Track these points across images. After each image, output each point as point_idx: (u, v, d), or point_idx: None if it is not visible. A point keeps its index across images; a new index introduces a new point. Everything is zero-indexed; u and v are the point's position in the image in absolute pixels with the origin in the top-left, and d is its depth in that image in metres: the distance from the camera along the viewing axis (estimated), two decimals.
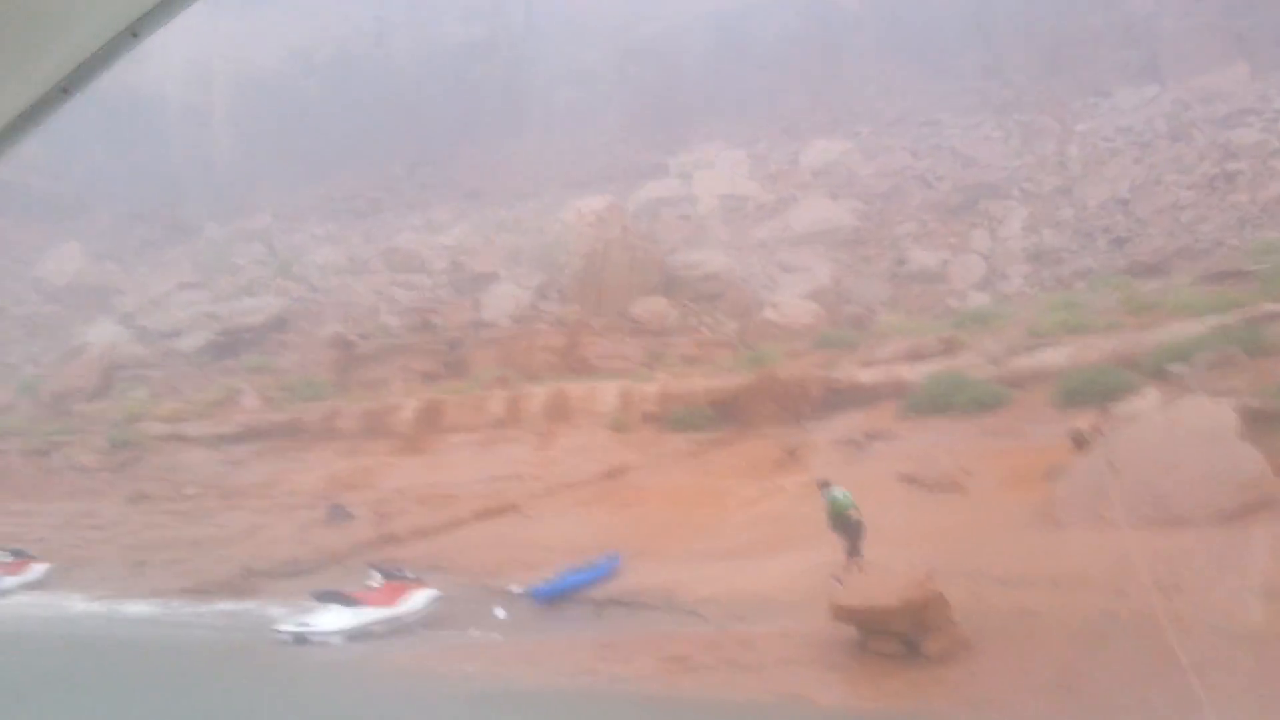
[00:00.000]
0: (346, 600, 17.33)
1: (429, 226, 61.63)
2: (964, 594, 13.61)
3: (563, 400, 33.43)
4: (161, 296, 55.69)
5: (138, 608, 21.22)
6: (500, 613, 17.50)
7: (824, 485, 16.15)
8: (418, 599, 17.85)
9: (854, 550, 14.86)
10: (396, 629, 16.93)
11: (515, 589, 18.01)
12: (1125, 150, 44.91)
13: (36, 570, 25.21)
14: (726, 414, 31.59)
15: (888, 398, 30.24)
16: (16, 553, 25.77)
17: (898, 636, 11.82)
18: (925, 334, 34.09)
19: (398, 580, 18.26)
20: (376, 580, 18.22)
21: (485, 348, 39.92)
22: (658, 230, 50.08)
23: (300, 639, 16.41)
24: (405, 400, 35.91)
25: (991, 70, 57.54)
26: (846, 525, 15.03)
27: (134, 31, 1.73)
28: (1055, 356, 28.55)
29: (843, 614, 12.11)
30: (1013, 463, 21.77)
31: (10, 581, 24.50)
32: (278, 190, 72.00)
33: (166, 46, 67.21)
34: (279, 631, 16.76)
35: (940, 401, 28.24)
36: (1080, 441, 19.61)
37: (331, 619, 16.88)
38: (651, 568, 18.07)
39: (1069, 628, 12.07)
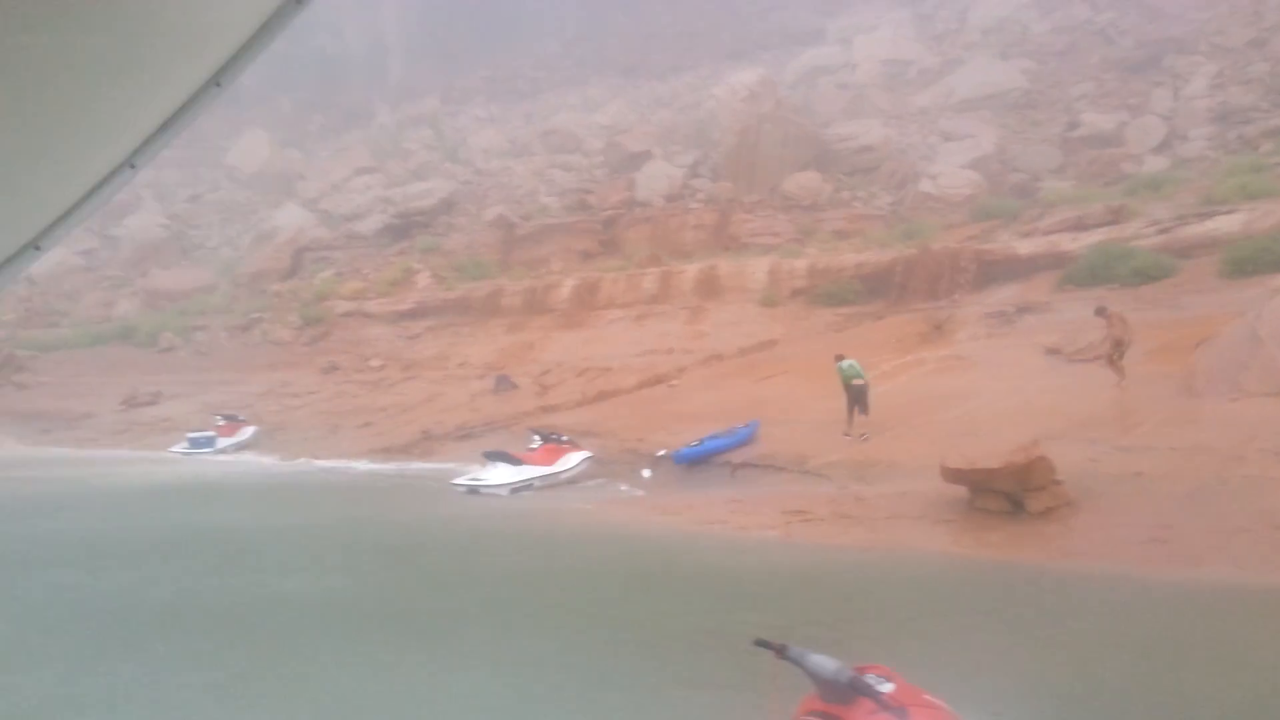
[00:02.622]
0: (511, 459, 19.71)
1: (585, 105, 62.73)
2: (1081, 458, 14.38)
3: (713, 277, 34.64)
4: (341, 182, 59.61)
5: (335, 464, 24.46)
6: (646, 473, 19.45)
7: (838, 358, 19.37)
8: (572, 459, 20.08)
9: (853, 407, 18.40)
10: (553, 484, 19.19)
11: (660, 452, 19.83)
12: None
13: (247, 432, 29.04)
14: (876, 288, 32.01)
15: (1047, 269, 29.85)
16: (229, 417, 29.69)
17: (1003, 495, 12.81)
18: (1093, 202, 33.05)
19: (554, 443, 20.48)
20: (536, 442, 20.51)
21: (639, 226, 41.38)
22: (814, 101, 49.41)
23: (473, 490, 18.92)
24: (563, 278, 38.08)
25: None
26: (850, 389, 18.49)
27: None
28: (1228, 224, 27.36)
29: (951, 475, 13.17)
30: (1164, 335, 21.57)
31: (225, 442, 28.39)
32: (443, 74, 74.50)
33: None
34: (455, 484, 19.31)
35: (1101, 273, 27.73)
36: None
37: (498, 475, 19.33)
38: (787, 434, 19.41)
39: (1176, 490, 12.68)
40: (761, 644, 4.82)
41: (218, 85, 1.88)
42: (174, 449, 28.31)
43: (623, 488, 18.75)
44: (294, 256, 49.68)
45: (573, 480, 19.65)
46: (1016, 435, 14.57)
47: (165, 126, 1.92)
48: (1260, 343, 17.09)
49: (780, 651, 4.65)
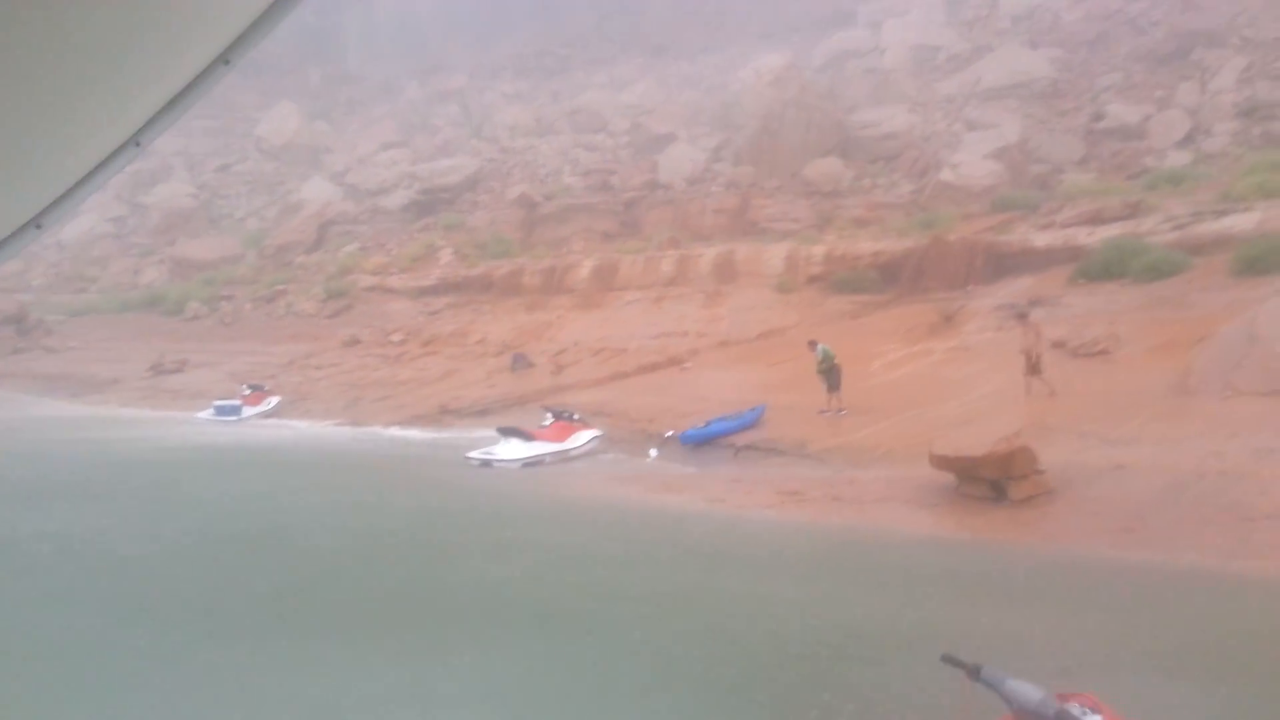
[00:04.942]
0: (524, 435, 20.56)
1: (613, 84, 63.30)
2: (1068, 450, 15.07)
3: (731, 261, 35.33)
4: (367, 156, 60.64)
5: (354, 432, 25.45)
6: (653, 453, 20.29)
7: (812, 344, 21.33)
8: (582, 437, 20.93)
9: (831, 388, 20.29)
10: (563, 460, 20.03)
11: (668, 433, 20.65)
12: None
13: (271, 401, 30.06)
14: (891, 277, 32.54)
15: (1062, 263, 30.26)
16: (255, 387, 30.72)
17: (987, 482, 13.54)
18: (1113, 196, 33.40)
19: (566, 420, 21.33)
20: (549, 420, 21.36)
21: (660, 208, 42.13)
22: (840, 85, 49.77)
23: (486, 464, 19.79)
24: (583, 259, 38.89)
25: None
26: (827, 372, 20.34)
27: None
28: (1243, 222, 27.67)
29: (939, 462, 13.90)
30: (1168, 331, 22.12)
31: (250, 411, 29.42)
32: (472, 49, 75.09)
33: None
34: (469, 457, 20.18)
35: (1114, 268, 28.07)
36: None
37: (511, 449, 20.18)
38: (791, 419, 20.17)
39: (1154, 482, 13.34)
40: (950, 661, 4.42)
41: (226, 63, 1.84)
42: (200, 415, 29.31)
43: (629, 466, 19.57)
44: (319, 229, 50.76)
45: (582, 457, 20.48)
46: (1011, 426, 15.27)
47: (172, 104, 1.89)
48: (1256, 342, 17.63)
49: (973, 674, 4.26)
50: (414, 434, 24.73)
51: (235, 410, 28.82)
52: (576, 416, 21.77)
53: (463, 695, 7.92)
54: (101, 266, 54.64)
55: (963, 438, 14.09)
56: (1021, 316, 20.66)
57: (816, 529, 13.41)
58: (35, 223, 2.00)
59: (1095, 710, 4.11)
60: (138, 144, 1.94)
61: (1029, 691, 4.07)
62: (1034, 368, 18.95)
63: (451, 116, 64.28)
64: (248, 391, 30.10)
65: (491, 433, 21.40)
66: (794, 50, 55.30)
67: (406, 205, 50.70)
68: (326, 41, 78.67)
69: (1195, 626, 9.18)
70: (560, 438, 20.73)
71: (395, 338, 36.63)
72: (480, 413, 25.77)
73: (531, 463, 19.81)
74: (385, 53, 79.38)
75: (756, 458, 18.28)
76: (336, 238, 50.01)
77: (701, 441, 19.78)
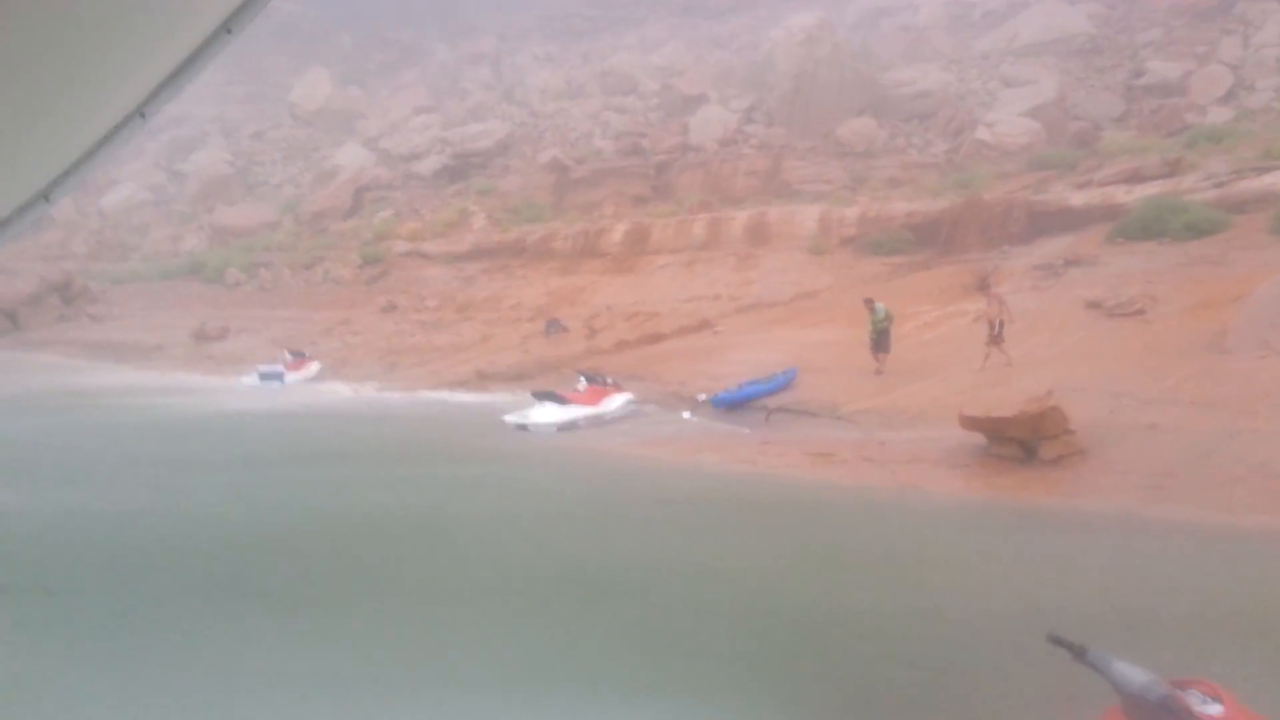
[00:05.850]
0: (558, 399, 20.83)
1: (642, 45, 62.93)
2: (1101, 410, 15.13)
3: (763, 224, 35.35)
4: (400, 121, 60.88)
5: (394, 396, 25.95)
6: (686, 415, 20.55)
7: (869, 302, 21.33)
8: (616, 400, 21.21)
9: (878, 348, 20.55)
10: (597, 424, 20.34)
11: (700, 396, 20.88)
12: None
13: (313, 368, 30.62)
14: (926, 238, 32.46)
15: (1100, 222, 30.08)
16: (296, 354, 31.30)
17: (1018, 443, 13.66)
18: (1152, 153, 32.98)
19: (600, 384, 21.63)
20: (583, 384, 21.65)
21: (691, 171, 42.10)
22: (873, 43, 49.22)
23: (521, 427, 20.14)
24: (615, 223, 39.04)
25: None
26: (878, 332, 20.58)
27: None
28: None
29: (968, 423, 14.04)
30: (1206, 290, 22.00)
31: (293, 376, 29.98)
32: (501, 11, 74.86)
33: None
34: (506, 420, 20.56)
35: (1153, 227, 27.89)
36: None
37: (546, 413, 20.46)
38: (823, 382, 20.33)
39: (1185, 441, 13.42)
40: (1056, 641, 4.28)
41: (228, 32, 1.81)
42: (244, 380, 29.87)
43: (662, 429, 19.85)
44: (354, 195, 51.18)
45: (616, 420, 20.79)
46: (1042, 386, 15.36)
47: (176, 75, 1.86)
48: None
49: (1079, 654, 4.12)
50: (463, 397, 25.07)
51: (278, 375, 29.35)
52: (610, 380, 22.05)
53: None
54: (142, 234, 55.52)
55: (993, 398, 14.20)
56: (984, 288, 20.76)
57: (846, 489, 13.64)
58: (44, 195, 2.02)
59: (1215, 699, 3.90)
60: (142, 115, 1.92)
61: (1134, 675, 3.91)
62: (995, 338, 19.09)
63: (482, 80, 64.26)
64: (290, 358, 30.65)
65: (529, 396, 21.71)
66: (826, 8, 54.50)
67: (439, 170, 50.95)
68: (357, 4, 78.70)
69: (1219, 583, 9.36)
70: (594, 401, 21.01)
71: (431, 303, 37.07)
72: (516, 377, 26.11)
73: (566, 426, 20.13)
74: (415, 15, 79.30)
75: (788, 420, 18.46)
76: (371, 203, 50.43)
77: (734, 405, 19.99)
